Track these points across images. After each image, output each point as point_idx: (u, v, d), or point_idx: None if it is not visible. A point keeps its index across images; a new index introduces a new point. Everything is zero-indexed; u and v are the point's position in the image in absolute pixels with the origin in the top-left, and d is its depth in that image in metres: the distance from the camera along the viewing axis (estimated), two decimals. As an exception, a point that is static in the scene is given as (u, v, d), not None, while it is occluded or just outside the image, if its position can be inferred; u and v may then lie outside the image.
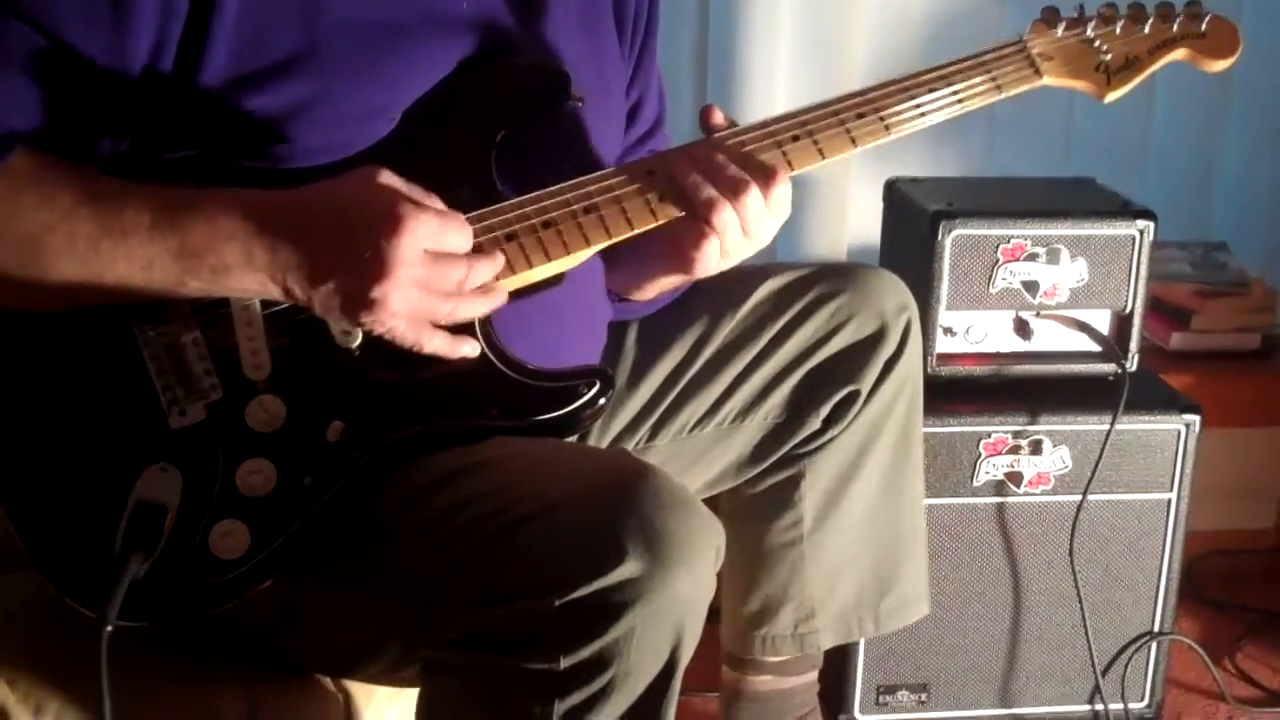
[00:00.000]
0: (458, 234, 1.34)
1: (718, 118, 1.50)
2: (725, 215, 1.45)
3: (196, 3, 1.33)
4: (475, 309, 1.37)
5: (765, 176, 1.46)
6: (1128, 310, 2.21)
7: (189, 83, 1.34)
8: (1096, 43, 1.66)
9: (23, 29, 1.30)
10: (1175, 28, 1.68)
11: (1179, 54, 1.69)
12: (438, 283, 1.32)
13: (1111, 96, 1.67)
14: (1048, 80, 1.64)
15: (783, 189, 1.47)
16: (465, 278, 1.34)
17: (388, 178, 1.32)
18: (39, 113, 1.33)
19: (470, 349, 1.37)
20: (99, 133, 1.36)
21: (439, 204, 1.35)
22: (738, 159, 1.47)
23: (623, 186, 1.46)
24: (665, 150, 1.54)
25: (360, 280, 1.28)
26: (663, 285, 1.69)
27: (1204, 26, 1.69)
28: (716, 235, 1.46)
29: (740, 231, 1.46)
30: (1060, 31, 1.65)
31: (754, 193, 1.45)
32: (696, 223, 1.46)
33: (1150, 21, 1.68)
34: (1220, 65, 1.70)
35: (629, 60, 1.71)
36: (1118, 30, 1.67)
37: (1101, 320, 2.23)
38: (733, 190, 1.44)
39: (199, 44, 1.34)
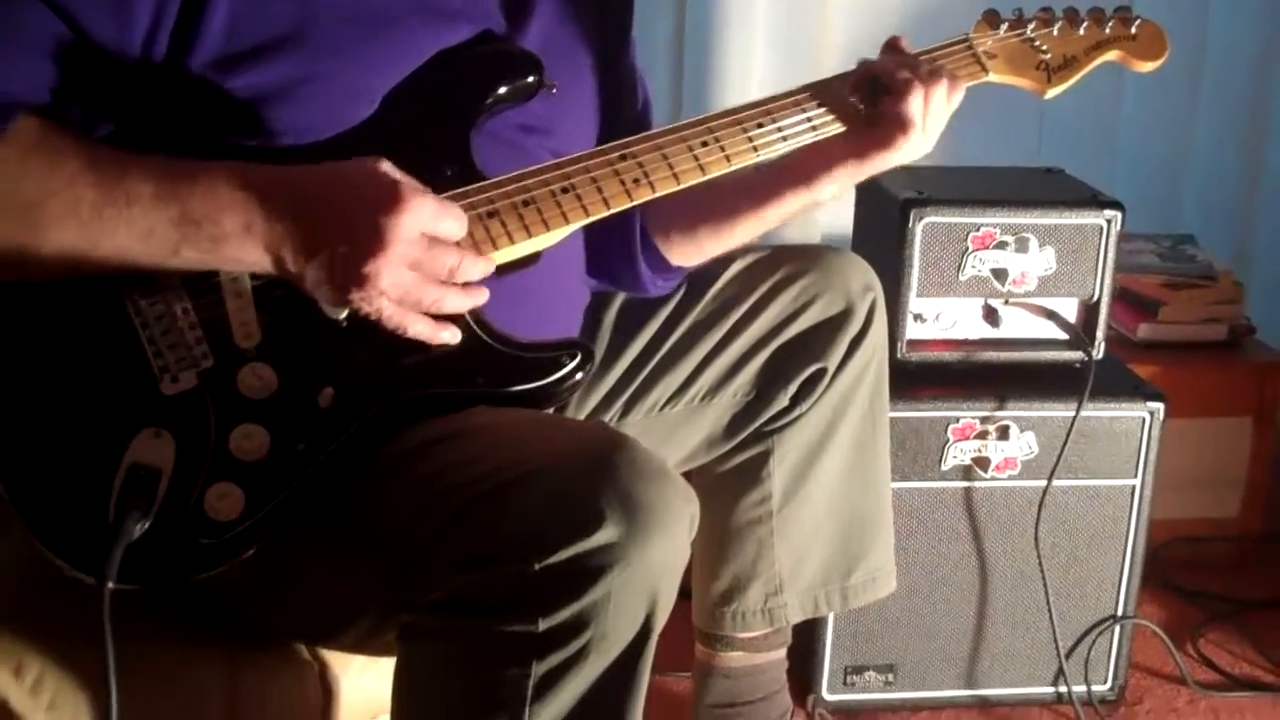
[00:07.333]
0: (454, 221, 1.38)
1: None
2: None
3: None
4: (460, 303, 1.39)
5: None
6: (1095, 299, 2.24)
7: (183, 55, 1.37)
8: (1037, 42, 1.74)
9: (36, 5, 1.33)
10: (1108, 30, 1.77)
11: (1112, 55, 1.78)
12: (430, 267, 1.35)
13: (1052, 93, 1.75)
14: (993, 77, 1.72)
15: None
16: (457, 266, 1.37)
17: (389, 166, 1.36)
18: (46, 88, 1.35)
19: (450, 335, 1.40)
20: (97, 106, 1.38)
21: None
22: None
23: (599, 168, 1.51)
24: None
25: (354, 254, 1.31)
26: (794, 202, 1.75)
27: (1134, 30, 1.78)
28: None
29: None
30: (1003, 31, 1.73)
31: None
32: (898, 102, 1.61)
33: (1085, 24, 1.76)
34: (1149, 66, 1.79)
35: (607, 51, 1.74)
36: (1055, 32, 1.75)
37: (1069, 308, 2.26)
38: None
39: (197, 16, 1.36)
